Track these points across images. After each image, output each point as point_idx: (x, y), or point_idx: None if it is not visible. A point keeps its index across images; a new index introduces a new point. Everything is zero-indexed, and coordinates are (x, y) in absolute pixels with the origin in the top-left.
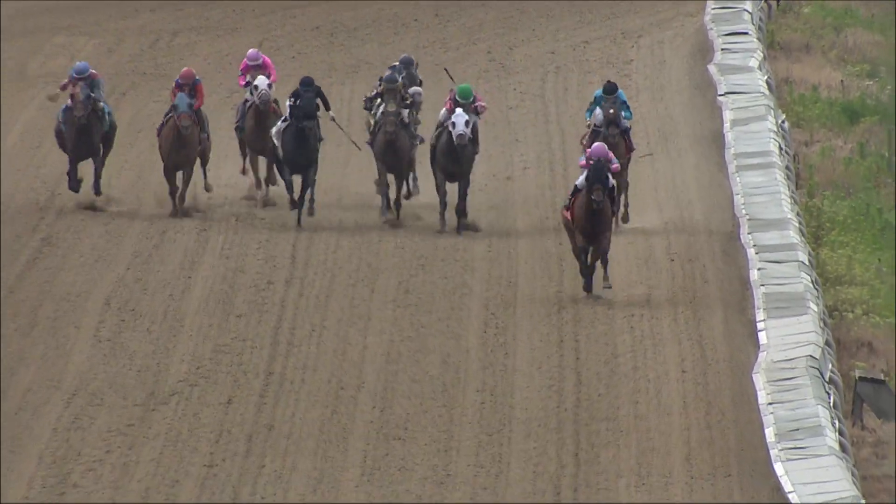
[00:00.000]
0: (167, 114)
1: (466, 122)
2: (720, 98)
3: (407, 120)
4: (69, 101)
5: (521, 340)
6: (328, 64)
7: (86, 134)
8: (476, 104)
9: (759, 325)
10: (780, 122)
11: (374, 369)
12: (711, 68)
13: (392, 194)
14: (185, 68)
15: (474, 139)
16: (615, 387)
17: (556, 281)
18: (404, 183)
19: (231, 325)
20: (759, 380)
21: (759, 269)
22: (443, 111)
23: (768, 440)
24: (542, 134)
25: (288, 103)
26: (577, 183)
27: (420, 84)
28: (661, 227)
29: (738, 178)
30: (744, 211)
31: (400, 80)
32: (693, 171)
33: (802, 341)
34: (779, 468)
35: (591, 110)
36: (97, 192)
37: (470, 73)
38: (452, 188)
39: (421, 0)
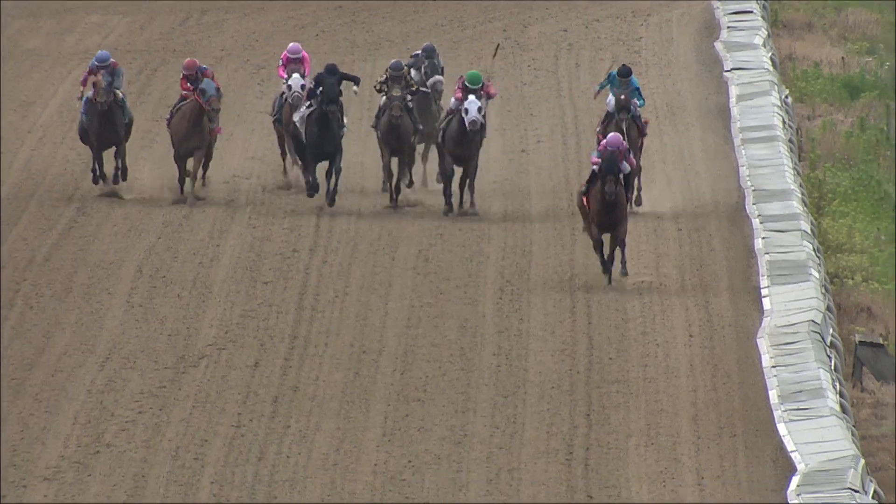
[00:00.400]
0: (177, 104)
1: (479, 109)
2: (726, 74)
3: (411, 105)
4: (90, 94)
5: (535, 306)
6: (350, 41)
7: (109, 122)
8: (487, 90)
9: (763, 292)
10: (783, 97)
11: (394, 334)
12: (718, 45)
13: (394, 180)
14: (187, 59)
15: (483, 125)
16: (625, 351)
17: (568, 249)
18: (406, 170)
19: (258, 291)
20: (763, 344)
21: (763, 238)
22: (452, 100)
23: (772, 401)
24: (555, 108)
25: (307, 85)
26: (593, 168)
27: (442, 72)
28: (669, 198)
29: (743, 151)
30: (749, 182)
31: (405, 68)
32: (700, 143)
33: (804, 307)
34: (782, 428)
35: (602, 85)
36: (124, 177)
37: (487, 51)
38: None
39: None
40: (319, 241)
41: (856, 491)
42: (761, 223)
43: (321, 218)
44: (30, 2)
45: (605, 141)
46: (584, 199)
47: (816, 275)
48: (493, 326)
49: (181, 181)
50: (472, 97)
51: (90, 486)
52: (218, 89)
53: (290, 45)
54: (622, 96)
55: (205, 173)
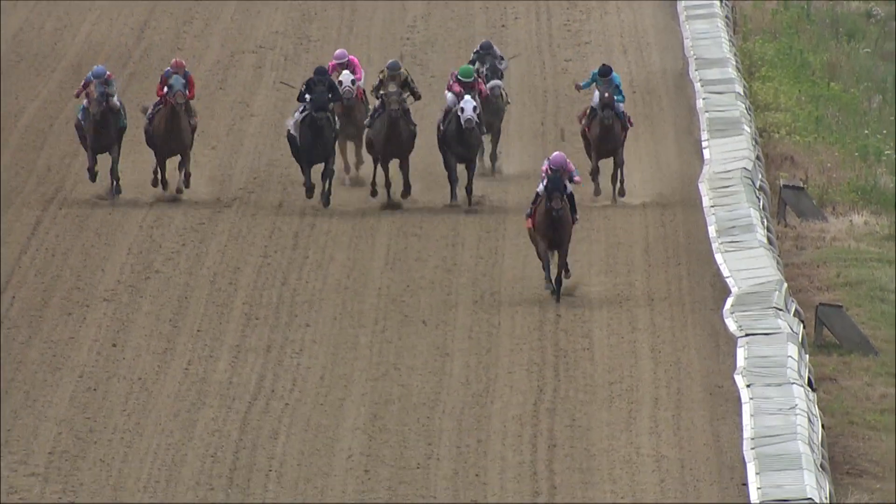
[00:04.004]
0: (156, 104)
1: (474, 108)
2: None
3: (407, 105)
4: (86, 102)
5: (512, 156)
6: None
7: (103, 128)
8: (479, 87)
9: (704, 144)
10: None
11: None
12: None
13: (382, 179)
14: (174, 59)
15: (480, 122)
16: (588, 192)
17: (540, 108)
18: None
19: (281, 143)
20: (704, 187)
21: (703, 99)
22: (449, 95)
23: (711, 236)
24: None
25: (302, 89)
26: (537, 190)
27: (502, 74)
28: (625, 65)
29: (687, 26)
30: (692, 52)
31: (401, 67)
32: (651, 20)
33: (738, 156)
34: (719, 258)
35: (586, 84)
36: (118, 191)
37: None
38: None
39: None
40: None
41: (780, 309)
42: (702, 86)
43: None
44: None
45: (548, 161)
46: (530, 221)
47: (748, 129)
48: (477, 177)
49: (163, 181)
50: (467, 97)
51: (142, 306)
52: (185, 85)
53: (336, 51)
54: (606, 94)
55: (188, 172)
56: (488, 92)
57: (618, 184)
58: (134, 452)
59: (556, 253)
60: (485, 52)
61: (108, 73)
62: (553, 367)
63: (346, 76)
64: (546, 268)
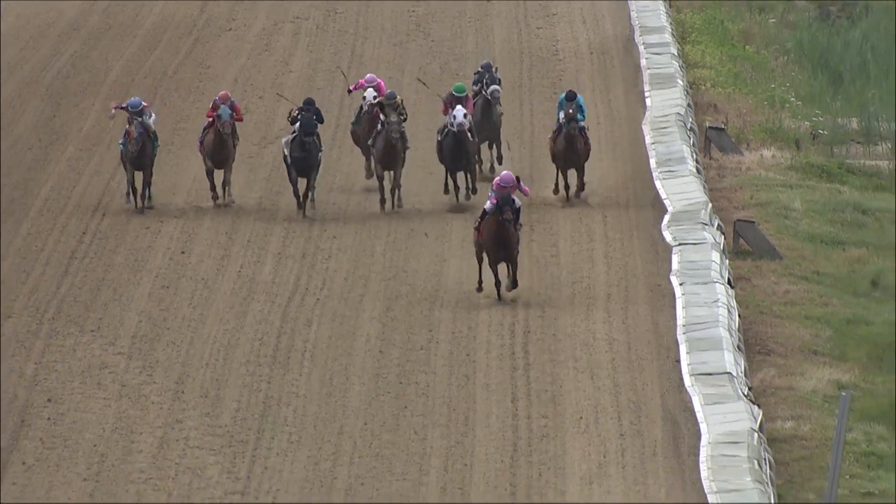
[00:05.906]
0: (206, 127)
1: (465, 115)
2: None
3: (403, 128)
4: (126, 137)
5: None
6: None
7: (140, 157)
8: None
9: (646, 94)
10: None
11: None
12: None
13: (388, 184)
14: (222, 91)
15: (472, 129)
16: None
17: (518, 67)
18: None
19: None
20: (646, 129)
21: (646, 59)
22: (447, 118)
23: (651, 167)
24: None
25: (294, 114)
26: (485, 207)
27: (499, 83)
28: (584, 32)
29: (633, 3)
30: (637, 22)
31: (398, 97)
32: None
33: (673, 104)
34: (658, 184)
35: (558, 113)
36: (150, 206)
37: None
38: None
39: None
40: (353, 65)
41: (705, 224)
42: (645, 49)
43: (354, 49)
44: None
45: (498, 179)
46: (477, 233)
47: (681, 83)
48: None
49: (213, 188)
50: (458, 106)
51: (204, 222)
52: (232, 115)
53: (367, 75)
54: (570, 111)
55: (227, 180)
56: (473, 110)
57: (577, 190)
58: (198, 337)
59: (506, 266)
60: (485, 71)
61: (143, 104)
62: (528, 270)
63: (369, 93)
64: (480, 273)
